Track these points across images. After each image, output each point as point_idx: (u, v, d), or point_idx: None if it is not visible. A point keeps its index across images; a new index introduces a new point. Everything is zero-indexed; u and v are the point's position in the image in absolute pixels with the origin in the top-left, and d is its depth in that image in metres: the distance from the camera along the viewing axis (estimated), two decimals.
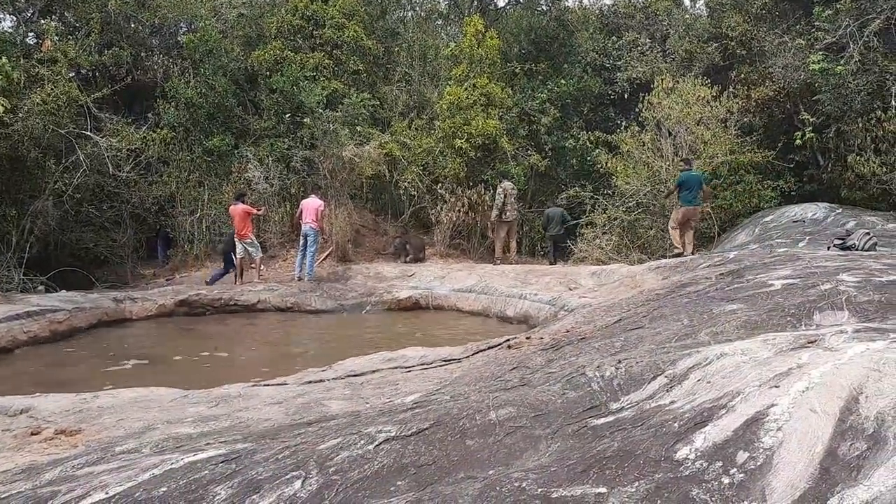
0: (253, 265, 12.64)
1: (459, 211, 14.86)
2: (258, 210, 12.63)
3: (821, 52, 13.40)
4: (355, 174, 14.89)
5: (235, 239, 12.32)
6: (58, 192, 12.67)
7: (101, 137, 13.41)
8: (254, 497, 2.14)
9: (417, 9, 22.56)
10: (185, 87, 15.33)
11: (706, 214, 14.22)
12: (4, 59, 11.21)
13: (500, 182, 14.15)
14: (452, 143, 15.00)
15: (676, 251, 11.24)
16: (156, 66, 16.39)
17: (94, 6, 15.43)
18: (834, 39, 13.20)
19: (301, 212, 12.45)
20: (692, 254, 11.31)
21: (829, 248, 8.10)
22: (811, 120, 13.65)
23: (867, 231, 8.38)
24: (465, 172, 15.15)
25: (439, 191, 15.20)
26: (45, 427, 3.67)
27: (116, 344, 8.38)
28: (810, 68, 13.37)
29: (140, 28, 17.17)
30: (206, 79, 15.37)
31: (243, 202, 12.45)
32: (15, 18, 16.00)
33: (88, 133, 13.36)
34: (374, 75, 17.94)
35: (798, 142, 13.89)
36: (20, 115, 11.75)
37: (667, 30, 18.39)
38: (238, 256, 12.39)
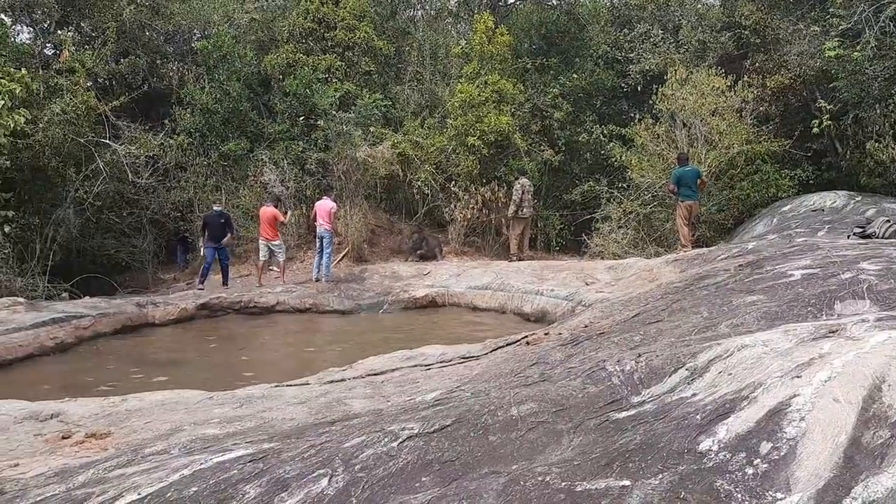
0: (273, 267, 12.72)
1: (473, 208, 14.86)
2: (284, 218, 12.72)
3: (836, 39, 13.23)
4: (369, 174, 14.95)
5: (261, 241, 12.39)
6: (79, 199, 12.84)
7: (120, 145, 13.56)
8: (282, 495, 2.18)
9: (427, 7, 22.55)
10: (201, 93, 15.45)
11: (722, 206, 14.17)
12: (24, 71, 11.38)
13: (518, 178, 14.13)
14: (465, 140, 15.00)
15: (685, 250, 11.18)
16: (171, 73, 16.53)
17: (109, 15, 15.58)
18: (849, 25, 13.02)
19: (315, 214, 12.52)
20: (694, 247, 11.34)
21: (848, 237, 8.04)
22: (828, 107, 13.49)
23: (888, 218, 8.31)
24: (479, 170, 15.15)
25: (453, 189, 15.21)
26: (75, 431, 3.73)
27: (141, 348, 8.48)
28: (826, 55, 13.21)
29: (155, 36, 17.32)
30: (220, 84, 15.48)
31: (276, 206, 12.55)
32: (33, 30, 16.21)
33: (107, 141, 13.52)
34: (386, 75, 17.98)
35: (815, 130, 13.73)
36: (40, 125, 11.92)
37: (679, 20, 18.23)
38: (261, 258, 12.50)
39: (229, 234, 12.26)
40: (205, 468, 2.50)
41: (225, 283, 12.24)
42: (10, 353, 7.32)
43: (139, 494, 2.32)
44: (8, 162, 10.85)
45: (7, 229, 10.85)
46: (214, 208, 12.44)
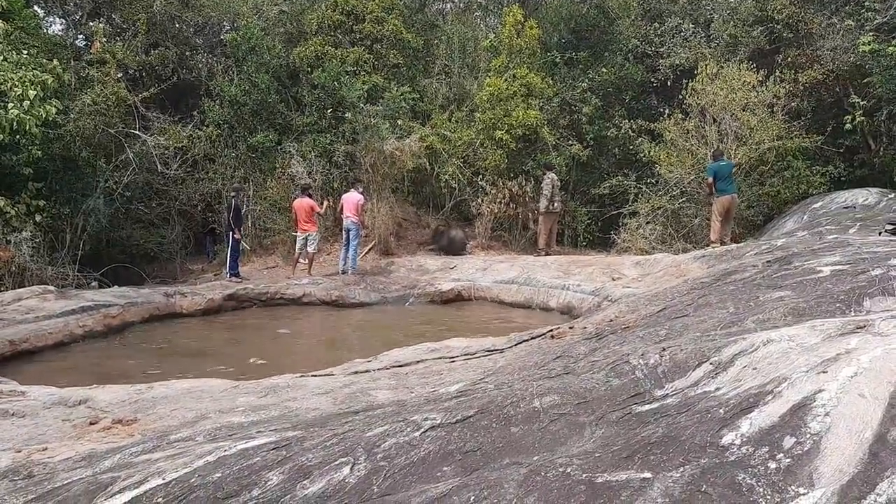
0: (301, 259, 12.82)
1: (500, 202, 14.83)
2: (321, 207, 12.78)
3: (871, 33, 13.00)
4: (396, 168, 14.96)
5: (297, 232, 12.49)
6: (109, 190, 13.03)
7: (149, 136, 13.75)
8: (304, 482, 2.20)
9: (456, 0, 22.52)
10: (229, 85, 15.58)
11: (752, 202, 13.99)
12: (55, 62, 11.54)
13: (547, 173, 14.06)
14: (493, 134, 14.97)
15: (714, 245, 11.04)
16: (200, 65, 16.73)
17: (140, 7, 15.80)
18: (885, 20, 12.79)
19: (342, 206, 12.58)
20: (728, 242, 11.18)
21: (880, 234, 7.89)
22: (862, 103, 13.26)
23: None
24: (506, 164, 15.11)
25: (480, 183, 15.19)
26: (102, 417, 3.78)
27: (168, 337, 8.59)
28: (860, 50, 12.98)
29: (185, 28, 17.51)
30: (249, 76, 15.59)
31: (310, 196, 12.63)
32: (64, 21, 16.47)
33: (137, 132, 13.71)
34: (414, 68, 17.98)
35: (848, 126, 13.50)
36: (72, 115, 12.12)
37: (710, 14, 18.03)
38: (297, 249, 12.61)
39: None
40: (229, 455, 2.53)
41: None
42: (40, 341, 7.46)
43: (164, 479, 2.35)
44: (40, 152, 11.01)
45: (38, 218, 11.04)
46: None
